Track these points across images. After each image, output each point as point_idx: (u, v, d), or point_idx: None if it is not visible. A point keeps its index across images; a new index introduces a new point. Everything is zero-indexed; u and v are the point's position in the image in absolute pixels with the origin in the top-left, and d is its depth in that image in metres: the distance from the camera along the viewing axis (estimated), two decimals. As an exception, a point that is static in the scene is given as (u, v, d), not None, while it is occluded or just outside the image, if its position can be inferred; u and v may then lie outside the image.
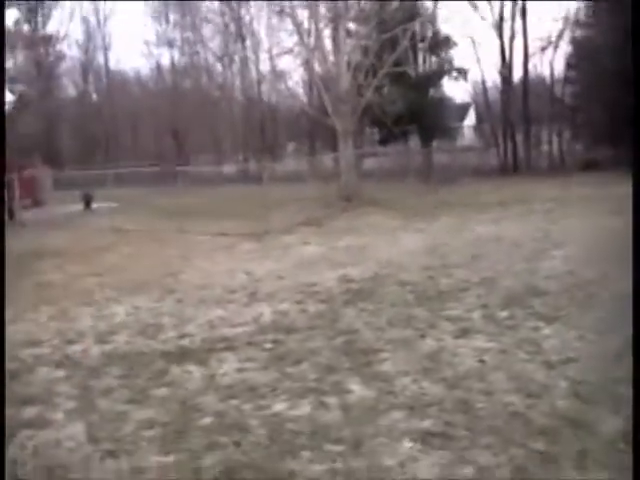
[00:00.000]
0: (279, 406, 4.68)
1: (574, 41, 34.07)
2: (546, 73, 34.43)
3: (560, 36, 32.80)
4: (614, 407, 4.29)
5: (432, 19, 31.59)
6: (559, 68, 34.62)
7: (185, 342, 6.46)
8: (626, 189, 18.14)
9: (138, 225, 16.62)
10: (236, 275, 9.84)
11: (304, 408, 4.61)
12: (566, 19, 32.29)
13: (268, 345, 6.12)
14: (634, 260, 5.20)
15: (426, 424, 4.22)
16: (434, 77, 33.09)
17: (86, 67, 44.80)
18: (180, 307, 8.05)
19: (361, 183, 21.74)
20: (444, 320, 6.51)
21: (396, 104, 26.45)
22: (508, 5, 30.87)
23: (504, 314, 6.62)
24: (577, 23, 33.50)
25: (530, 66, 32.57)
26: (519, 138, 32.25)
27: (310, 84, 36.08)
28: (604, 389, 4.59)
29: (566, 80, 34.91)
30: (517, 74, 32.83)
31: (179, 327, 7.05)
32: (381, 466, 3.75)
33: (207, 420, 4.50)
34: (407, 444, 3.96)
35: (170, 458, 3.98)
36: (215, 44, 40.16)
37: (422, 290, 7.88)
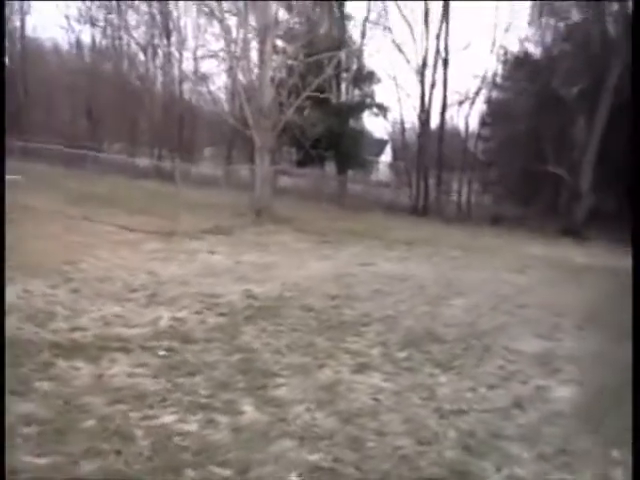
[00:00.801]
0: (167, 418, 4.53)
1: (489, 101, 35.54)
2: (461, 126, 35.59)
3: (477, 93, 34.05)
4: (498, 463, 4.38)
5: (358, 52, 32.26)
6: (473, 124, 35.95)
7: (76, 335, 6.19)
8: (529, 249, 18.80)
9: (41, 204, 15.91)
10: (138, 274, 9.54)
11: (193, 424, 4.48)
12: (484, 78, 33.57)
13: (162, 352, 5.93)
14: (634, 266, 5.33)
15: (316, 457, 4.17)
16: (355, 108, 33.58)
17: (-1, 28, 42.69)
18: (75, 297, 7.72)
19: (274, 200, 21.65)
20: (343, 352, 6.51)
21: (316, 127, 26.64)
22: (432, 53, 31.69)
23: (402, 355, 6.69)
24: (494, 84, 34.99)
25: (447, 116, 33.52)
26: (431, 182, 33.12)
27: (232, 92, 35.83)
28: (490, 445, 4.68)
29: (479, 136, 36.30)
30: (434, 120, 33.79)
31: (72, 319, 6.75)
32: (266, 496, 3.67)
33: (90, 423, 4.30)
34: (294, 477, 3.90)
35: (45, 460, 3.76)
36: (139, 33, 39.34)
37: (325, 319, 7.87)
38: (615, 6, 27.22)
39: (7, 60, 44.78)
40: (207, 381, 5.30)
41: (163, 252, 11.73)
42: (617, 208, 30.51)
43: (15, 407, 4.37)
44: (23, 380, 4.87)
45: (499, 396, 5.78)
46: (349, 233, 17.51)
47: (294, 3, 26.17)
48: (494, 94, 34.67)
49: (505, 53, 32.87)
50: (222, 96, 39.27)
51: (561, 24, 30.62)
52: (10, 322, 6.33)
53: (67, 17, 39.74)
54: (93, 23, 40.07)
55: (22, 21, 41.96)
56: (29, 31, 42.95)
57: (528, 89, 30.51)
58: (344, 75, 32.40)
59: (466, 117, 34.37)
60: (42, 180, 22.18)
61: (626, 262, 17.98)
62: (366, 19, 32.30)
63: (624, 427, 4.35)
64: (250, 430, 4.45)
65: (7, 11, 41.22)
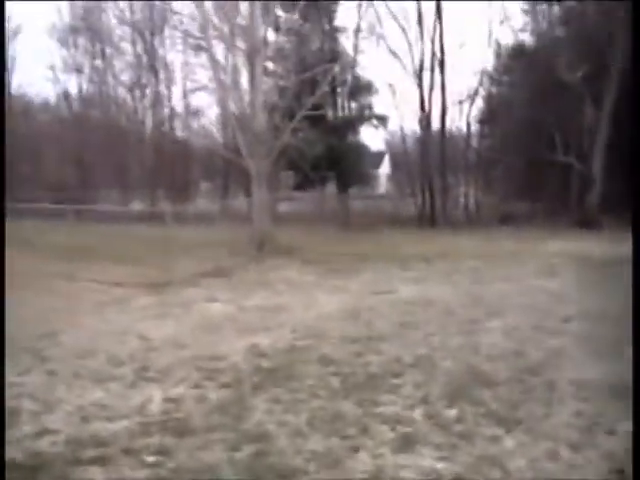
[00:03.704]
0: None
1: (489, 96, 34.53)
2: (463, 127, 34.44)
3: (476, 91, 32.99)
4: None
5: (353, 64, 31.24)
6: (475, 122, 34.86)
7: (43, 444, 4.88)
8: (547, 247, 17.54)
9: (18, 265, 14.64)
10: (127, 339, 8.26)
11: None
12: (482, 75, 32.52)
13: (150, 458, 4.62)
14: (634, 262, 4.85)
15: None
16: (354, 123, 32.53)
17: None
18: (50, 383, 6.43)
19: (275, 229, 20.39)
20: (379, 422, 5.17)
21: (314, 148, 25.44)
22: (429, 56, 30.69)
23: (451, 414, 5.36)
24: (492, 79, 33.98)
25: (449, 119, 32.38)
26: (436, 188, 31.86)
27: (224, 123, 34.85)
28: None
29: (481, 134, 35.16)
30: (435, 124, 32.66)
31: (40, 417, 5.45)
32: None
33: None
34: None
35: None
36: (126, 75, 38.39)
37: (349, 372, 6.54)
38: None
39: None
40: (209, 497, 4.00)
41: (156, 307, 10.43)
42: (629, 193, 29.27)
43: None
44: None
45: (590, 461, 4.45)
46: (358, 256, 16.25)
47: (282, 20, 25.23)
48: (494, 89, 33.69)
49: (499, 46, 31.82)
50: (214, 129, 38.42)
51: (556, 9, 29.63)
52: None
53: (52, 68, 38.68)
54: (79, 70, 39.09)
55: (7, 79, 40.65)
56: (14, 89, 41.45)
57: (528, 79, 29.41)
58: (339, 90, 31.37)
59: (467, 116, 33.23)
60: (23, 238, 20.92)
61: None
62: (358, 29, 31.39)
63: None
64: None
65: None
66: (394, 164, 49.72)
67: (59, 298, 11.25)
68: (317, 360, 7.03)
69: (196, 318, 9.58)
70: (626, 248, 16.78)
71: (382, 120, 33.06)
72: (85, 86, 40.50)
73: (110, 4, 36.09)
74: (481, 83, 32.84)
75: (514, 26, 32.43)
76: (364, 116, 32.77)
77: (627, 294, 10.86)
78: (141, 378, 6.59)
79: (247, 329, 8.68)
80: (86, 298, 11.33)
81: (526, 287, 11.60)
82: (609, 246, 17.80)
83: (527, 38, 32.81)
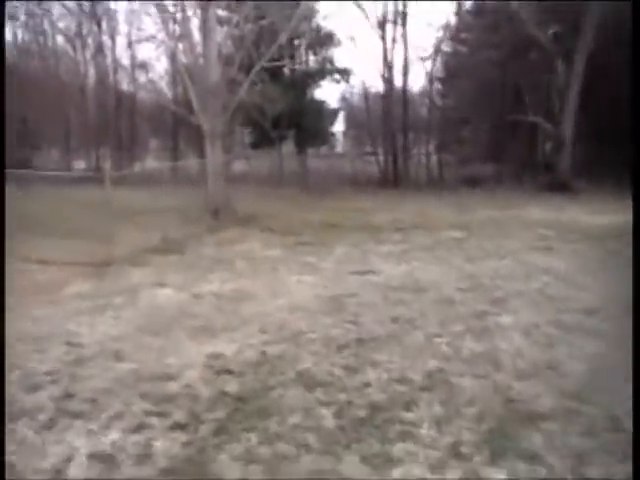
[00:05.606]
0: None
1: (451, 54, 33.01)
2: (425, 83, 32.76)
3: (439, 48, 31.28)
4: None
5: (313, 12, 29.11)
6: (437, 80, 33.24)
7: None
8: (530, 215, 15.99)
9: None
10: (51, 346, 6.46)
11: None
12: (446, 29, 30.78)
13: None
14: (634, 260, 4.50)
15: None
16: (314, 77, 30.45)
17: None
18: None
19: (231, 191, 18.46)
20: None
21: (275, 104, 23.38)
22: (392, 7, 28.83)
23: (494, 472, 3.80)
24: (455, 38, 32.39)
25: (411, 75, 30.74)
26: (398, 147, 30.22)
27: (174, 76, 32.42)
28: None
29: (443, 94, 33.65)
30: (397, 81, 30.90)
31: None
32: None
33: None
34: None
35: None
36: (65, 23, 35.32)
37: (344, 401, 4.91)
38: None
39: None
40: None
41: (92, 297, 8.58)
42: (601, 156, 28.22)
43: None
44: None
45: None
46: (326, 226, 14.59)
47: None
48: (458, 47, 32.10)
49: (459, 4, 30.18)
50: (163, 83, 35.91)
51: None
52: None
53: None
54: (13, 17, 35.74)
55: (3, 74, 37.14)
56: None
57: (492, 38, 27.85)
58: (297, 42, 29.15)
59: (430, 74, 31.44)
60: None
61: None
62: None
63: None
64: None
65: None
66: (350, 121, 48.04)
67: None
68: (298, 380, 5.37)
69: (141, 312, 7.80)
70: (613, 218, 15.59)
71: (345, 73, 31.03)
72: (21, 36, 37.20)
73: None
74: (444, 39, 31.14)
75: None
76: (325, 70, 30.73)
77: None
78: (62, 413, 4.86)
79: (204, 328, 6.96)
80: (12, 286, 9.39)
81: (526, 266, 10.11)
82: (595, 215, 16.48)
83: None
